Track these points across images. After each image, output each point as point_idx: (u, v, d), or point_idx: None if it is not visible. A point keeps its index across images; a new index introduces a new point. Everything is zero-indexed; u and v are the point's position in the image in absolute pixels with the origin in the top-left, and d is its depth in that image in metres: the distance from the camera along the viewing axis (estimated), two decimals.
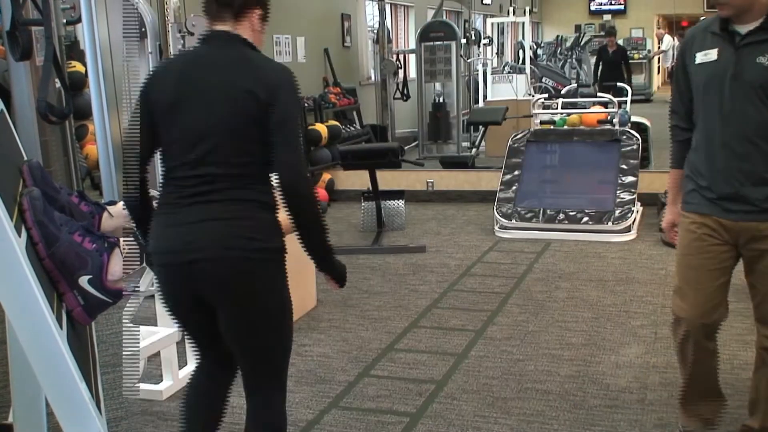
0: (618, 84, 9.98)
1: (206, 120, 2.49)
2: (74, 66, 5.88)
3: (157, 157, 2.67)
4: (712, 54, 2.89)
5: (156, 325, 4.10)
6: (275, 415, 2.72)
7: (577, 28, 21.51)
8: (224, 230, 2.48)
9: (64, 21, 3.91)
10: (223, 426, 2.93)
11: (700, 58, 2.93)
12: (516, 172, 7.46)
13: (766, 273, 2.94)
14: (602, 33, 16.51)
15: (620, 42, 17.31)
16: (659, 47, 19.73)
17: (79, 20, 4.57)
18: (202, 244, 2.47)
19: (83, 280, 2.00)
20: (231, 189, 2.49)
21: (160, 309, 4.10)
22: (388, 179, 8.40)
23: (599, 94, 8.90)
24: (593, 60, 14.83)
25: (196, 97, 2.51)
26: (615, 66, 13.06)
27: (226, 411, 2.87)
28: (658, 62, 20.84)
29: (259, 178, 2.54)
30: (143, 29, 5.62)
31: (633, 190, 7.03)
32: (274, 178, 2.53)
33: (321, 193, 8.50)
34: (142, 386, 3.95)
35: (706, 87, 2.91)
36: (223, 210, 2.48)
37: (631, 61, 17.58)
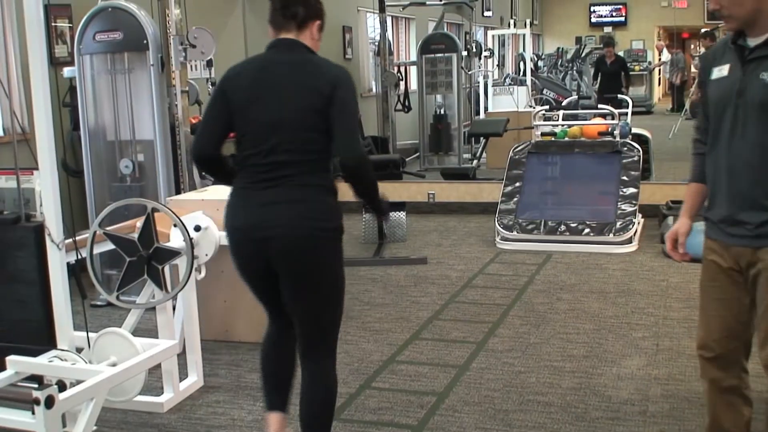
0: (619, 96, 9.99)
1: (277, 114, 2.93)
2: None
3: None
4: (725, 70, 2.78)
5: (157, 337, 4.10)
6: (327, 379, 3.11)
7: (578, 40, 21.53)
8: (293, 212, 2.92)
9: None
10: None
11: (715, 73, 2.81)
12: (517, 184, 7.46)
13: (762, 298, 2.80)
14: (600, 46, 16.54)
15: (621, 53, 17.35)
16: (660, 59, 19.75)
17: None
18: (274, 223, 2.91)
19: None
20: (298, 175, 2.93)
21: (161, 321, 4.09)
22: (389, 191, 8.32)
23: (600, 105, 8.90)
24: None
25: (268, 95, 2.95)
26: (614, 77, 13.09)
27: (296, 367, 3.24)
28: (659, 74, 20.86)
29: (322, 166, 2.98)
30: (145, 41, 5.64)
31: (634, 202, 7.03)
32: (336, 157, 2.95)
33: None
34: (143, 398, 3.94)
35: (718, 105, 2.79)
36: (291, 194, 2.93)
37: (631, 72, 17.60)
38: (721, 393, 2.96)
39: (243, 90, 3.00)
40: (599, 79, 13.60)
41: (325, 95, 2.90)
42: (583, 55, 17.28)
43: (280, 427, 3.28)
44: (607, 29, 22.23)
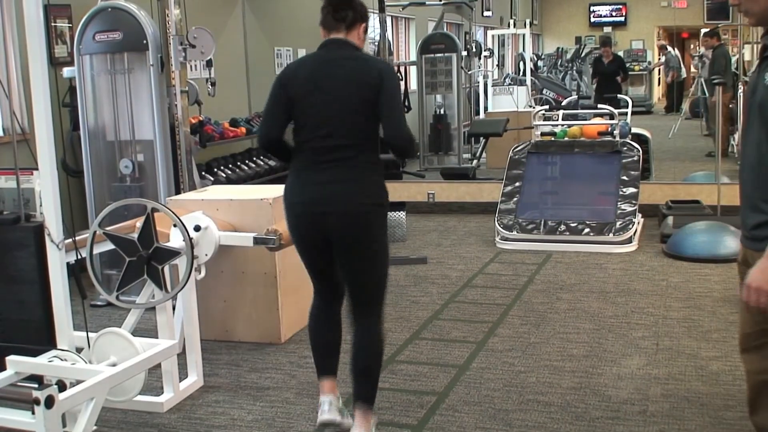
0: (619, 95, 9.97)
1: (332, 104, 3.36)
2: None
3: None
4: (756, 68, 2.75)
5: (156, 337, 4.10)
6: (376, 339, 3.50)
7: (578, 40, 21.53)
8: (347, 190, 3.35)
9: None
10: None
11: (750, 75, 2.82)
12: (517, 184, 7.46)
13: None
14: (599, 45, 16.43)
15: (620, 53, 17.33)
16: (659, 59, 19.74)
17: None
18: (331, 200, 3.35)
19: None
20: (351, 157, 3.36)
21: (161, 321, 4.10)
22: (389, 191, 8.38)
23: (599, 105, 8.88)
24: None
25: (324, 88, 3.38)
26: (611, 77, 12.88)
27: (342, 335, 3.62)
28: (659, 74, 20.86)
29: (372, 148, 3.43)
30: (145, 41, 5.64)
31: (634, 202, 7.02)
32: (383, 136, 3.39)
33: None
34: (143, 398, 3.94)
35: (744, 105, 2.80)
36: (345, 174, 3.36)
37: (631, 72, 17.57)
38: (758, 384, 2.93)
39: (301, 83, 3.42)
40: (596, 79, 13.40)
41: (373, 86, 3.34)
42: (583, 55, 17.29)
43: (333, 390, 3.61)
44: (607, 29, 22.23)
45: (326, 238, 3.40)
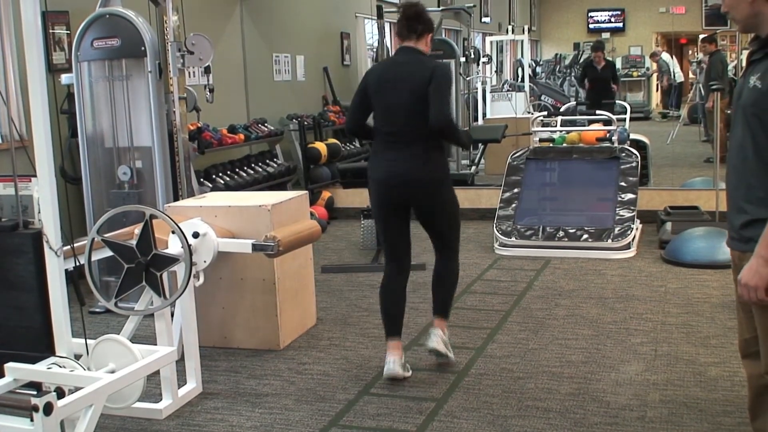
0: (610, 101, 9.96)
1: (401, 98, 4.21)
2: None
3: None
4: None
5: (155, 344, 4.10)
6: (452, 271, 4.51)
7: (576, 46, 21.57)
8: (417, 164, 4.21)
9: None
10: None
11: (739, 79, 2.83)
12: (515, 190, 7.47)
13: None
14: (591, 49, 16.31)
15: (618, 59, 17.36)
16: (654, 66, 19.75)
17: None
18: (406, 173, 4.21)
19: None
20: (418, 140, 4.20)
21: (159, 327, 4.09)
22: None
23: (598, 112, 8.89)
24: None
25: (394, 85, 4.24)
26: (603, 84, 12.42)
27: (405, 303, 4.44)
28: (657, 79, 20.89)
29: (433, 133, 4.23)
30: (143, 48, 5.64)
31: (632, 208, 7.03)
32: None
33: (320, 211, 8.50)
34: (142, 405, 3.93)
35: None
36: (414, 152, 4.21)
37: (629, 78, 17.54)
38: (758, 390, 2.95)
39: (376, 82, 4.32)
40: (588, 85, 12.92)
41: (427, 81, 4.15)
42: (581, 61, 17.32)
43: (398, 349, 4.33)
44: (605, 35, 22.28)
45: (403, 204, 4.30)
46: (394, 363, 4.28)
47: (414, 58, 4.29)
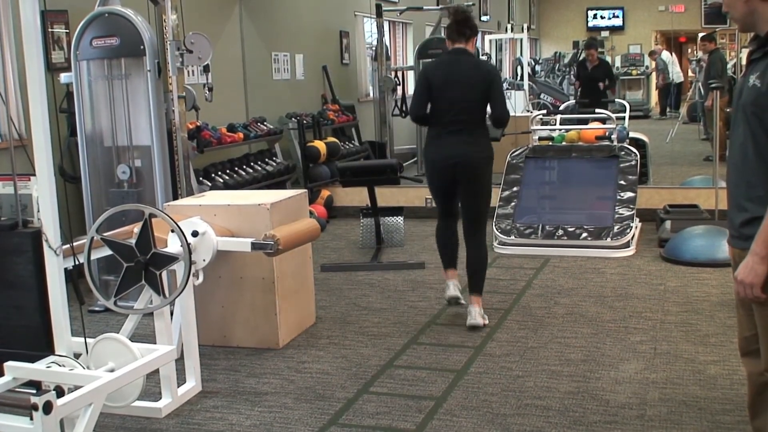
0: (617, 100, 9.93)
1: (457, 92, 5.06)
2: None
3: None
4: None
5: (155, 343, 4.10)
6: (483, 250, 5.29)
7: (575, 44, 21.51)
8: (468, 148, 5.10)
9: None
10: None
11: (739, 78, 2.87)
12: (515, 188, 7.47)
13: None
14: (600, 50, 16.14)
15: (618, 58, 17.32)
16: (652, 64, 19.73)
17: None
18: (458, 155, 5.08)
19: None
20: (469, 127, 5.10)
21: (159, 326, 4.10)
22: (386, 196, 8.40)
23: (597, 111, 8.88)
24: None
25: (452, 81, 5.08)
26: (595, 83, 11.78)
27: (458, 240, 5.43)
28: (656, 78, 20.87)
29: (482, 121, 5.17)
30: (142, 47, 5.64)
31: (632, 206, 7.03)
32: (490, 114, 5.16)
33: (319, 210, 8.50)
34: (141, 404, 3.93)
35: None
36: (465, 137, 5.10)
37: (629, 77, 17.49)
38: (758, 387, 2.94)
39: (438, 77, 5.12)
40: (578, 84, 12.44)
41: (484, 81, 5.07)
42: (581, 59, 17.30)
43: (455, 276, 5.46)
44: (605, 34, 22.25)
45: (453, 180, 5.16)
46: (453, 287, 5.42)
47: (469, 59, 5.18)
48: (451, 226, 5.43)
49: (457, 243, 5.44)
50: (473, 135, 5.11)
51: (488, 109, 5.16)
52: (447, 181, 5.21)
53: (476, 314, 5.12)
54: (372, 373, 4.45)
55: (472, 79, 5.06)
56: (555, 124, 8.44)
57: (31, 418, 3.03)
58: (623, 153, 7.39)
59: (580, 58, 17.02)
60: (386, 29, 12.42)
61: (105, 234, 4.02)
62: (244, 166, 8.57)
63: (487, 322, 5.16)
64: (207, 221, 4.56)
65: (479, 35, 17.34)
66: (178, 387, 4.12)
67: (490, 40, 15.53)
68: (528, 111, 11.96)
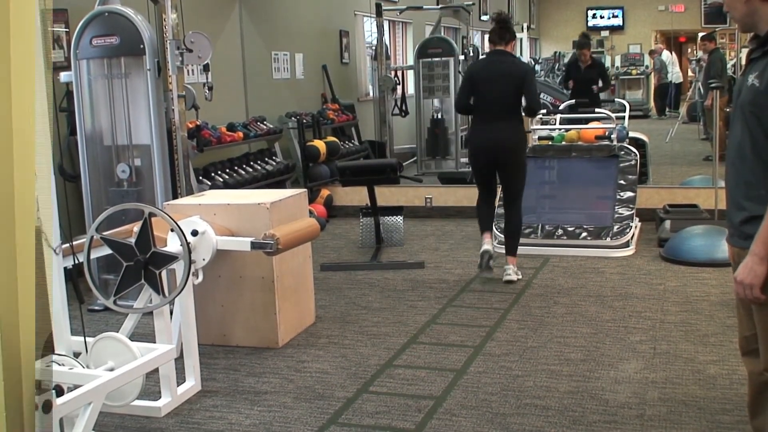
0: (617, 99, 9.88)
1: (497, 88, 5.96)
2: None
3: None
4: None
5: (154, 342, 4.10)
6: (518, 218, 6.25)
7: (575, 44, 21.53)
8: (505, 134, 6.01)
9: None
10: None
11: (739, 78, 2.88)
12: None
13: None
14: (600, 50, 15.91)
15: (617, 57, 17.26)
16: (652, 63, 19.69)
17: None
18: (498, 141, 6.01)
19: None
20: (507, 118, 6.01)
21: (158, 325, 4.10)
22: (386, 195, 8.40)
23: (597, 110, 8.87)
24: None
25: (493, 78, 5.99)
26: (588, 85, 11.09)
27: (495, 209, 6.47)
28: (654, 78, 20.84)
29: (518, 113, 6.07)
30: (142, 46, 5.64)
31: (631, 206, 7.03)
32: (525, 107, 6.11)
33: (319, 209, 8.50)
34: (141, 403, 3.93)
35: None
36: (504, 126, 6.00)
37: (629, 76, 17.45)
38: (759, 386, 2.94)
39: (481, 76, 6.09)
40: (571, 86, 11.73)
41: (520, 78, 5.95)
42: (572, 59, 17.25)
43: (490, 237, 6.25)
44: (604, 33, 22.24)
45: (493, 162, 6.06)
46: (488, 243, 6.19)
47: (508, 59, 6.08)
48: (489, 201, 6.30)
49: (494, 213, 6.42)
50: (508, 124, 5.99)
51: (523, 101, 6.02)
52: (488, 162, 6.09)
53: (511, 271, 6.12)
54: (371, 372, 4.45)
55: (510, 77, 5.93)
56: (555, 124, 8.43)
57: None
58: (623, 153, 7.38)
59: (572, 59, 17.00)
60: (386, 29, 12.42)
61: (105, 233, 4.02)
62: (244, 166, 8.56)
63: (520, 276, 6.15)
64: (207, 220, 4.56)
65: (479, 35, 17.36)
66: (178, 386, 4.12)
67: None
68: None
